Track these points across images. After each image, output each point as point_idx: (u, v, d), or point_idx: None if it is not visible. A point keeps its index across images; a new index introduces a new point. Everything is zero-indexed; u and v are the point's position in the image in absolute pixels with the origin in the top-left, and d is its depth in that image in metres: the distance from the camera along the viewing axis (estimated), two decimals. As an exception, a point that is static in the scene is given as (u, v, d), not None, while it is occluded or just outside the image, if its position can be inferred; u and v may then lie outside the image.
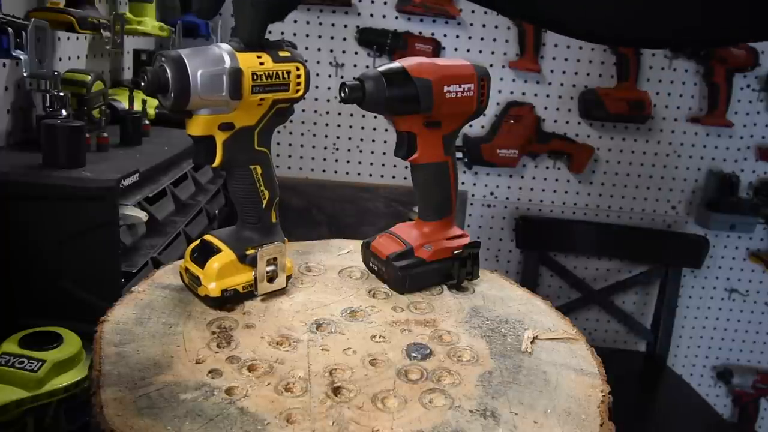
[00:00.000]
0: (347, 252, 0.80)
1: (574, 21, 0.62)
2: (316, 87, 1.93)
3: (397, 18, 1.90)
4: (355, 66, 1.94)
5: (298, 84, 0.61)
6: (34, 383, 0.68)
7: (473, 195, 2.09)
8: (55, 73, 0.99)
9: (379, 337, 0.60)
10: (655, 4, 0.58)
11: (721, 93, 1.97)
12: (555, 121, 2.04)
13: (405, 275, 0.69)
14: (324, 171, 2.04)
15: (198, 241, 0.66)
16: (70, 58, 1.27)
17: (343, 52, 1.93)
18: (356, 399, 0.51)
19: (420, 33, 1.90)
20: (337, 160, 2.03)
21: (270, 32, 0.62)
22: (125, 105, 1.24)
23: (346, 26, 1.91)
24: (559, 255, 2.14)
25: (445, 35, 1.93)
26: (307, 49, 1.91)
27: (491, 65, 1.93)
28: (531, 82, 2.00)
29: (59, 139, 0.91)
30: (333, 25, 1.91)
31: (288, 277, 0.67)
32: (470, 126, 1.64)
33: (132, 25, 1.31)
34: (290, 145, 2.01)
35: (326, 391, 0.51)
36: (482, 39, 1.94)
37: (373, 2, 1.90)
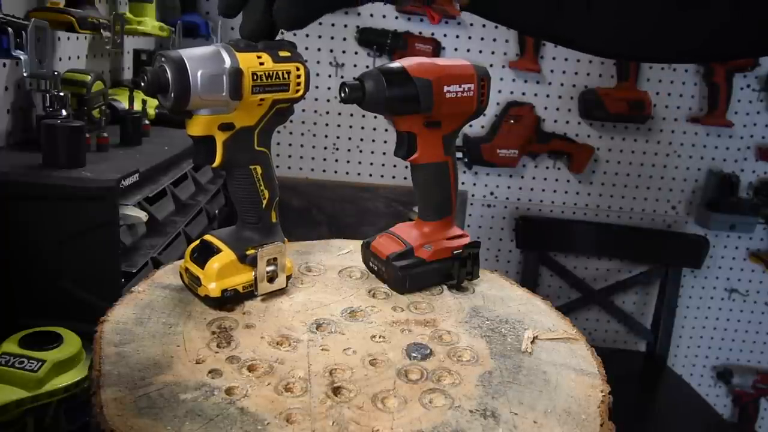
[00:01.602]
0: (347, 252, 0.80)
1: (585, 39, 0.63)
2: (316, 87, 1.93)
3: (397, 18, 1.90)
4: (355, 66, 1.94)
5: (298, 84, 0.61)
6: (34, 383, 0.68)
7: (473, 195, 2.09)
8: (55, 73, 0.99)
9: (379, 337, 0.60)
10: (662, 30, 0.60)
11: (721, 93, 1.97)
12: (555, 121, 2.04)
13: (405, 275, 0.69)
14: (324, 171, 2.04)
15: (198, 241, 0.66)
16: (70, 58, 1.27)
17: (343, 52, 1.93)
18: (356, 399, 0.51)
19: (420, 33, 1.90)
20: (337, 160, 2.03)
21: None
22: (125, 105, 1.24)
23: (346, 26, 1.91)
24: (559, 255, 2.15)
25: (445, 35, 1.93)
26: (307, 49, 1.91)
27: (491, 65, 1.93)
28: (531, 82, 2.00)
29: (59, 139, 0.91)
30: (333, 25, 1.91)
31: (288, 277, 0.67)
32: (470, 126, 1.63)
33: (132, 25, 1.31)
34: (290, 145, 2.01)
35: (326, 391, 0.51)
36: (482, 39, 1.94)
37: (373, 2, 1.89)
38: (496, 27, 1.93)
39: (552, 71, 2.00)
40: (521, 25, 0.66)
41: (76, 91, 1.10)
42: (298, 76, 0.61)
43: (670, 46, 0.63)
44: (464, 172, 2.05)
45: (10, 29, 0.88)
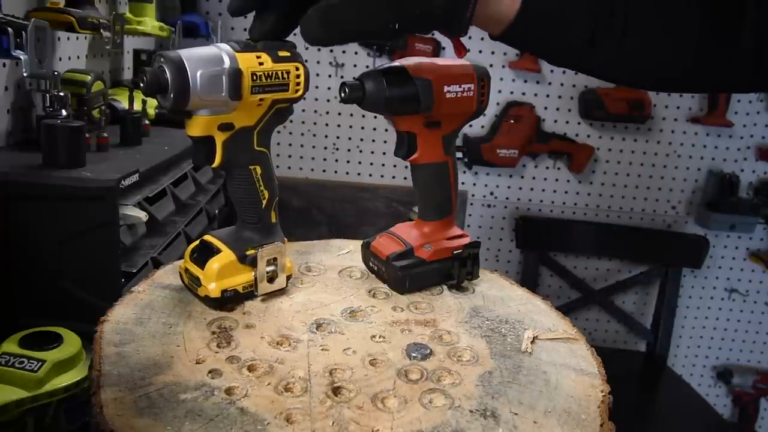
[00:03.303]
0: (347, 252, 0.80)
1: (617, 74, 0.66)
2: (316, 87, 1.93)
3: (397, 18, 1.90)
4: (355, 66, 1.94)
5: (298, 84, 0.61)
6: (34, 383, 0.68)
7: (473, 195, 2.09)
8: (55, 73, 0.99)
9: (379, 337, 0.60)
10: (696, 67, 0.62)
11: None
12: (555, 121, 2.04)
13: (405, 275, 0.69)
14: (324, 171, 2.04)
15: (198, 242, 0.66)
16: (70, 58, 1.27)
17: (343, 52, 1.93)
18: (356, 399, 0.51)
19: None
20: (337, 160, 2.03)
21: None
22: (125, 105, 1.24)
23: (346, 26, 1.90)
24: (559, 255, 2.15)
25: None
26: (307, 49, 1.90)
27: (491, 65, 1.93)
28: (531, 82, 2.00)
29: (59, 139, 0.91)
30: (333, 25, 1.91)
31: (288, 277, 0.67)
32: (470, 126, 1.63)
33: (132, 25, 1.31)
34: (290, 145, 2.01)
35: (326, 391, 0.51)
36: (482, 39, 1.94)
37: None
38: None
39: (552, 71, 2.00)
40: (552, 58, 0.67)
41: (76, 91, 1.10)
42: (298, 76, 0.61)
43: (703, 82, 0.65)
44: (464, 172, 2.05)
45: (10, 29, 0.88)
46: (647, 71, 0.63)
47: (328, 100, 1.97)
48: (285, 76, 0.60)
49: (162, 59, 0.55)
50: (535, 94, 2.01)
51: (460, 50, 0.66)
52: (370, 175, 2.05)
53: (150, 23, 1.35)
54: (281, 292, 0.67)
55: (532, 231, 2.09)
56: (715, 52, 0.60)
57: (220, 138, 0.60)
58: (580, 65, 0.66)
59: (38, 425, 0.72)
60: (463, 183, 2.05)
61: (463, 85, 0.67)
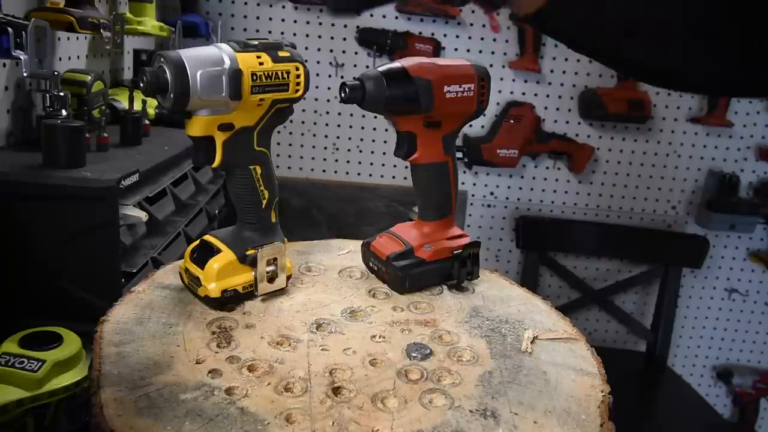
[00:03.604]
0: (347, 252, 0.80)
1: (654, 71, 0.63)
2: (316, 87, 1.93)
3: (397, 18, 1.90)
4: (355, 66, 1.94)
5: (298, 84, 0.61)
6: (34, 383, 0.68)
7: (473, 195, 2.09)
8: (55, 73, 0.99)
9: (379, 337, 0.60)
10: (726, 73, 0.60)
11: (721, 93, 1.96)
12: (555, 121, 2.04)
13: (405, 275, 0.69)
14: (324, 171, 2.04)
15: (198, 242, 0.66)
16: (70, 58, 1.27)
17: (343, 52, 1.93)
18: (356, 399, 0.51)
19: (420, 33, 1.90)
20: (337, 160, 2.03)
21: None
22: (125, 105, 1.24)
23: (346, 26, 1.91)
24: (559, 255, 2.14)
25: (445, 35, 1.93)
26: (307, 49, 1.91)
27: (491, 65, 1.93)
28: (531, 82, 2.00)
29: (59, 139, 0.91)
30: (333, 25, 1.91)
31: (288, 277, 0.67)
32: (470, 126, 1.63)
33: (132, 25, 1.31)
34: (290, 145, 2.01)
35: (326, 391, 0.51)
36: (482, 39, 1.94)
37: None
38: (508, 28, 1.92)
39: (552, 71, 1.99)
40: (583, 45, 0.64)
41: (76, 91, 1.10)
42: (298, 76, 0.61)
43: (739, 85, 0.63)
44: (464, 172, 2.05)
45: (10, 29, 0.88)
46: (683, 70, 0.60)
47: (328, 100, 1.97)
48: (285, 76, 0.60)
49: (162, 59, 0.55)
50: (535, 94, 2.01)
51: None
52: (370, 175, 2.05)
53: (150, 23, 1.35)
54: (281, 292, 0.67)
55: (532, 231, 2.09)
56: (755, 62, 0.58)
57: (220, 138, 0.60)
58: (614, 55, 0.62)
59: (38, 425, 0.72)
60: (463, 183, 2.05)
61: (463, 85, 0.67)
